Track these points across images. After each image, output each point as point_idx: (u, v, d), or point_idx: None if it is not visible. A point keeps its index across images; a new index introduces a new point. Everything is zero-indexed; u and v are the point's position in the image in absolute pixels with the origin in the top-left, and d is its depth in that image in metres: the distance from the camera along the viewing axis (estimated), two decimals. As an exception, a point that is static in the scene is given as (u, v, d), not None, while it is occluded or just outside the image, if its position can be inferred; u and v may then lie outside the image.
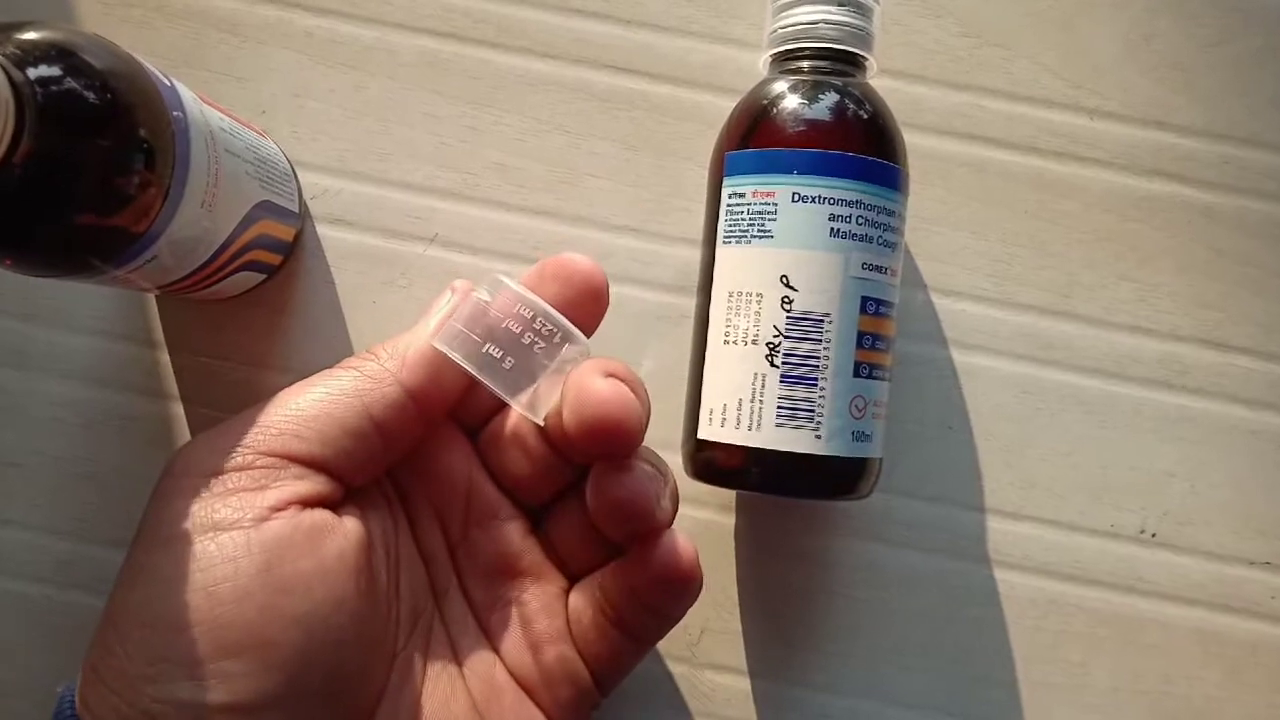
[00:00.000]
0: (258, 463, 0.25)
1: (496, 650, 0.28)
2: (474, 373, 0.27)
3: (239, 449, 0.25)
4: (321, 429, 0.26)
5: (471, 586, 0.29)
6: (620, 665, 0.29)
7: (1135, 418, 0.36)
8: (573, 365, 0.27)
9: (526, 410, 0.27)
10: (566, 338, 0.27)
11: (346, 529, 0.26)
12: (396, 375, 0.27)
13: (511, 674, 0.28)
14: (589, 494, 0.27)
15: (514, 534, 0.29)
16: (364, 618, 0.26)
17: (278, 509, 0.24)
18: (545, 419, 0.27)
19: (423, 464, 0.29)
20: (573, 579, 0.29)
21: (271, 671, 0.23)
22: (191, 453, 0.26)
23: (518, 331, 0.27)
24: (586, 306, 0.28)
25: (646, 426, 0.27)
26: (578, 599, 0.28)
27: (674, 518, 0.28)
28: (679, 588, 0.27)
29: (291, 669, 0.23)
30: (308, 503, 0.25)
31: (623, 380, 0.26)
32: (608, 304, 0.29)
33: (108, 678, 0.23)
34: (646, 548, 0.27)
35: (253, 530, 0.24)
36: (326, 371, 0.27)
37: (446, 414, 0.28)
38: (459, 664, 0.28)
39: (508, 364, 0.27)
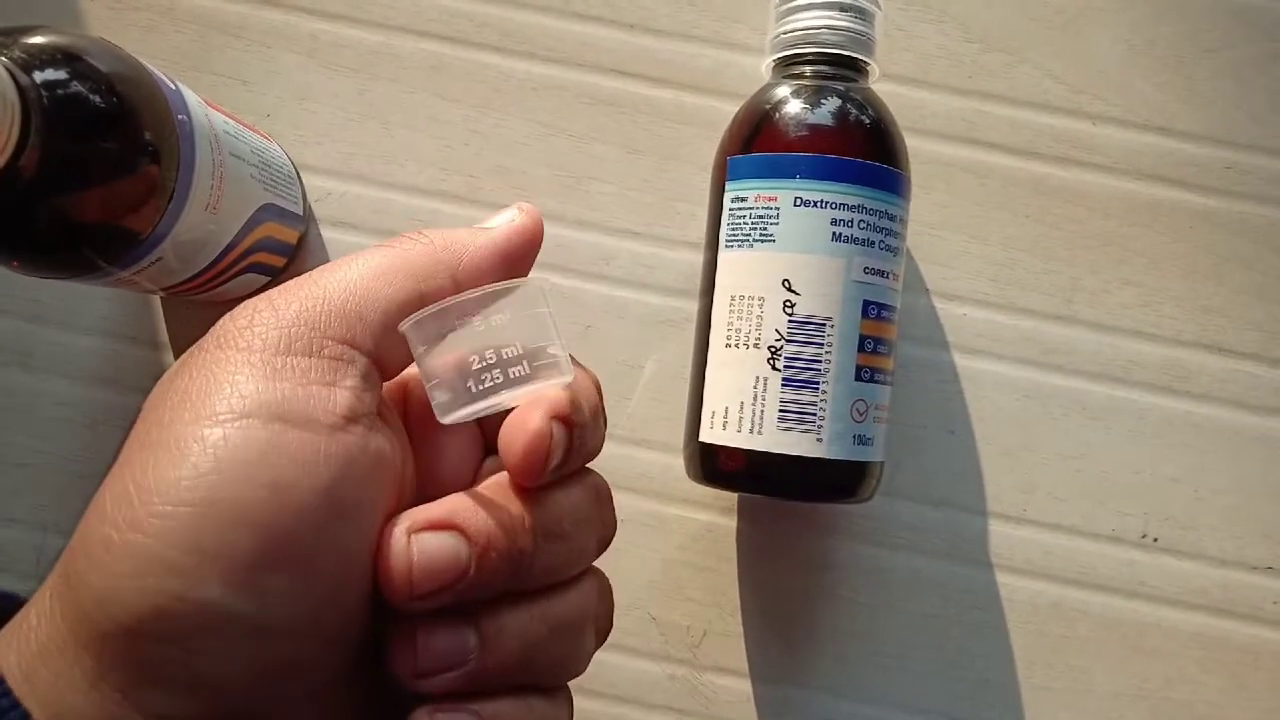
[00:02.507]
0: (326, 350, 0.22)
1: None
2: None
3: (306, 329, 0.22)
4: (384, 312, 0.23)
5: None
6: None
7: (1138, 422, 0.36)
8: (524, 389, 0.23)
9: (432, 392, 0.23)
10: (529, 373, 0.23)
11: (395, 461, 0.23)
12: (451, 268, 0.24)
13: None
14: None
15: None
16: None
17: (351, 419, 0.22)
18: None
19: (432, 453, 0.27)
20: None
21: (306, 599, 0.21)
22: (254, 325, 0.22)
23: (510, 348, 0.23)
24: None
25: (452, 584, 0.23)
26: None
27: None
28: None
29: (325, 603, 0.21)
30: (370, 416, 0.23)
31: (456, 528, 0.23)
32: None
33: (119, 555, 0.20)
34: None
35: (326, 439, 0.21)
36: (371, 249, 0.24)
37: None
38: None
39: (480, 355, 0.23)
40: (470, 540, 0.23)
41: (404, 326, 0.23)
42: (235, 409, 0.21)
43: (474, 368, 0.22)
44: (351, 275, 0.23)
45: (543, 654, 0.24)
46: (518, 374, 0.23)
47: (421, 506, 0.23)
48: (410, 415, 0.26)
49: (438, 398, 0.23)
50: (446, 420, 0.23)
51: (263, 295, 0.23)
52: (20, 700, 0.20)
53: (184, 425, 0.21)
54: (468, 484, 0.26)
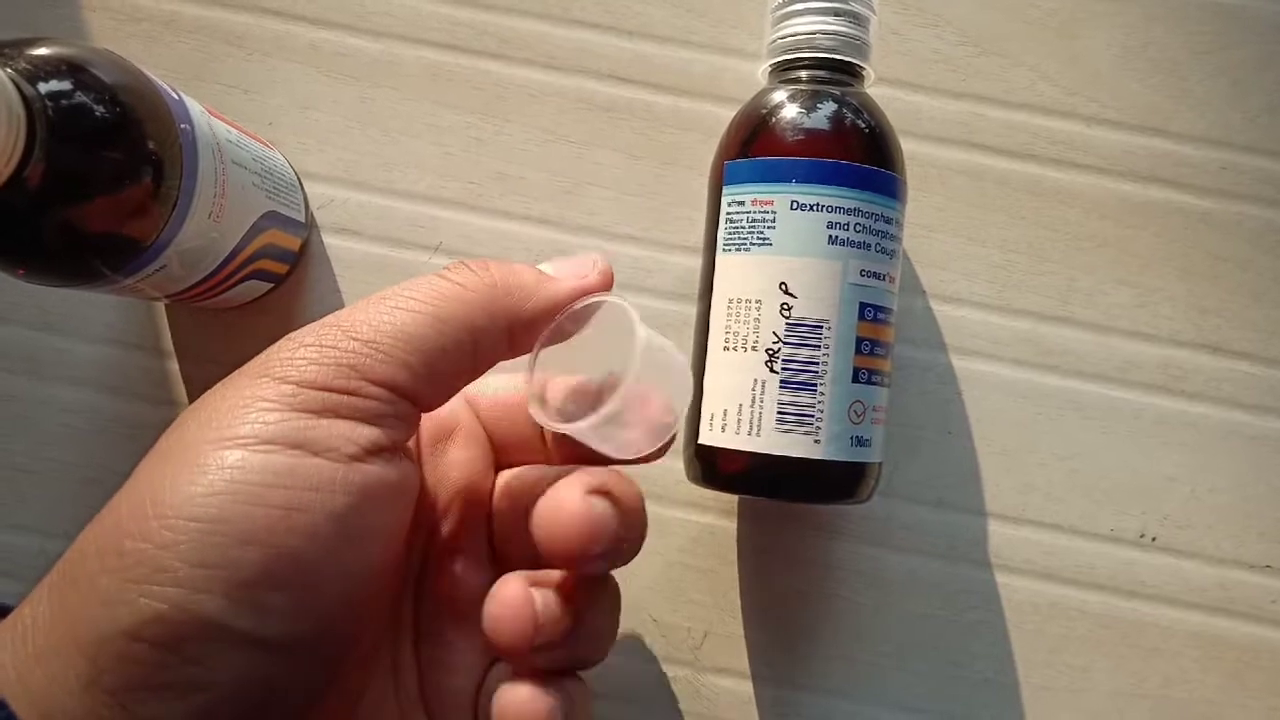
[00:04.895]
0: (364, 390, 0.22)
1: (420, 680, 0.27)
2: (592, 442, 0.25)
3: (347, 369, 0.22)
4: (431, 360, 0.23)
5: (421, 608, 0.28)
6: None
7: (1135, 422, 0.37)
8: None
9: (627, 453, 0.26)
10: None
11: (414, 492, 0.24)
12: (510, 316, 0.25)
13: (425, 709, 0.27)
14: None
15: (475, 578, 0.27)
16: (395, 586, 0.25)
17: (373, 451, 0.23)
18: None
19: (445, 470, 0.28)
20: None
21: (306, 619, 0.21)
22: (290, 356, 0.23)
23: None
24: None
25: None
26: (495, 672, 0.27)
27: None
28: None
29: (324, 623, 0.22)
30: (396, 448, 0.23)
31: (608, 493, 0.24)
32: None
33: (130, 562, 0.20)
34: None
35: (344, 467, 0.22)
36: (428, 283, 0.24)
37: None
38: (395, 671, 0.27)
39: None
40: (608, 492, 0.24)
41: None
42: (258, 434, 0.21)
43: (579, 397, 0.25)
44: (406, 320, 0.23)
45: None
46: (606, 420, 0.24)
47: (583, 470, 0.25)
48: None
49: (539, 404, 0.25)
50: (536, 416, 0.25)
51: (316, 326, 0.23)
52: (8, 700, 0.20)
53: (206, 444, 0.22)
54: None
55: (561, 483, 0.24)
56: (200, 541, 0.20)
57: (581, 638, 0.25)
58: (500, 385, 0.29)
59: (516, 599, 0.24)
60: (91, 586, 0.21)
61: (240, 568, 0.20)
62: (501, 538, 0.28)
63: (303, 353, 0.23)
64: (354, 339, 0.23)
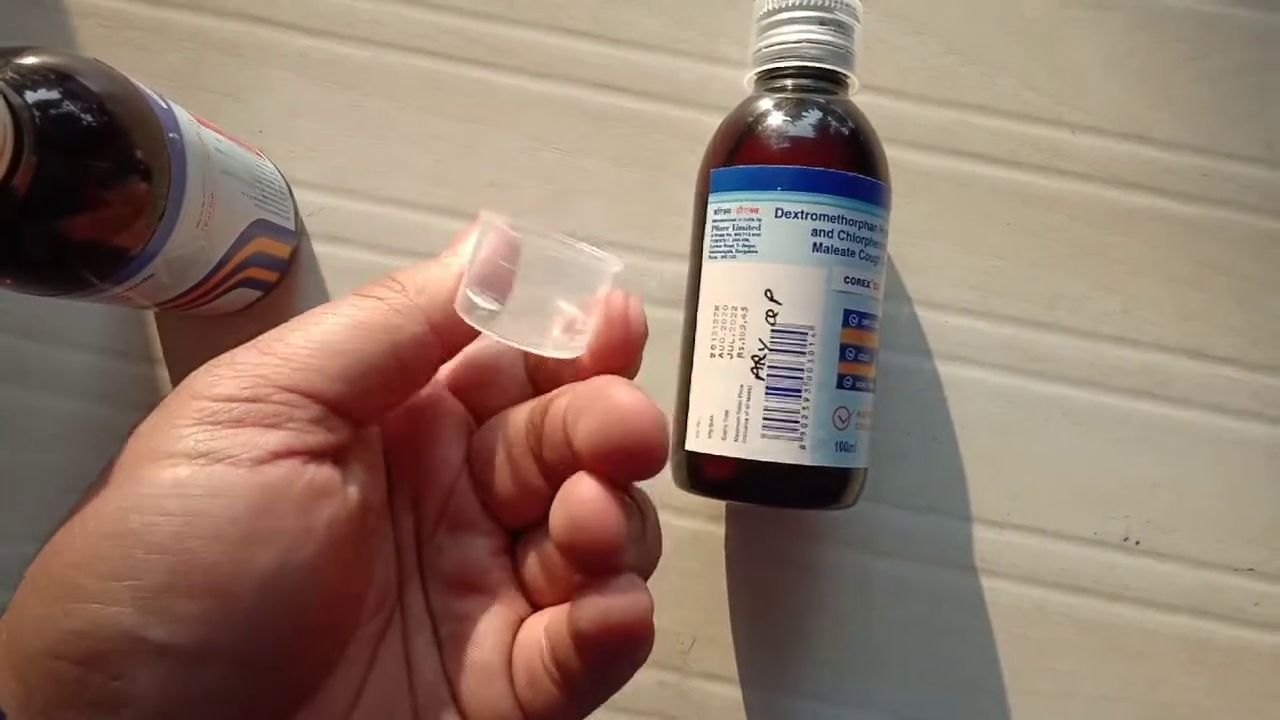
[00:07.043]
0: (273, 397, 0.23)
1: (443, 663, 0.26)
2: (503, 339, 0.25)
3: (255, 379, 0.23)
4: (348, 365, 0.24)
5: (431, 590, 0.27)
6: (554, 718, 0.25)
7: (1120, 428, 0.37)
8: (604, 290, 0.26)
9: (562, 350, 0.26)
10: (592, 268, 0.26)
11: (346, 496, 0.24)
12: (427, 312, 0.25)
13: (451, 693, 0.26)
14: (553, 509, 0.24)
15: (483, 549, 0.27)
16: (334, 593, 0.24)
17: (281, 455, 0.23)
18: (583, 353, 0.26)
19: (416, 449, 0.27)
20: (535, 608, 0.27)
21: (221, 626, 0.21)
22: (206, 375, 0.23)
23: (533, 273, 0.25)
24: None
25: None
26: (525, 635, 0.26)
27: (647, 570, 0.26)
28: (615, 644, 0.24)
29: (244, 628, 0.22)
30: (315, 453, 0.23)
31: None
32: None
33: (53, 581, 0.21)
34: (594, 588, 0.24)
35: (248, 470, 0.22)
36: (346, 300, 0.25)
37: (463, 348, 0.27)
38: (409, 664, 0.26)
39: (526, 314, 0.25)
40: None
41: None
42: (169, 450, 0.22)
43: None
44: (319, 329, 0.24)
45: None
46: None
47: (600, 384, 0.24)
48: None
49: (474, 301, 0.25)
50: (466, 317, 0.25)
51: (235, 350, 0.24)
52: None
53: (129, 466, 0.22)
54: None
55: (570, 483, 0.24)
56: (110, 555, 0.21)
57: (650, 528, 0.26)
58: (471, 348, 0.28)
59: (598, 491, 0.23)
60: (25, 609, 0.22)
61: (148, 576, 0.21)
62: (493, 498, 0.28)
63: (219, 371, 0.23)
64: (266, 355, 0.23)
